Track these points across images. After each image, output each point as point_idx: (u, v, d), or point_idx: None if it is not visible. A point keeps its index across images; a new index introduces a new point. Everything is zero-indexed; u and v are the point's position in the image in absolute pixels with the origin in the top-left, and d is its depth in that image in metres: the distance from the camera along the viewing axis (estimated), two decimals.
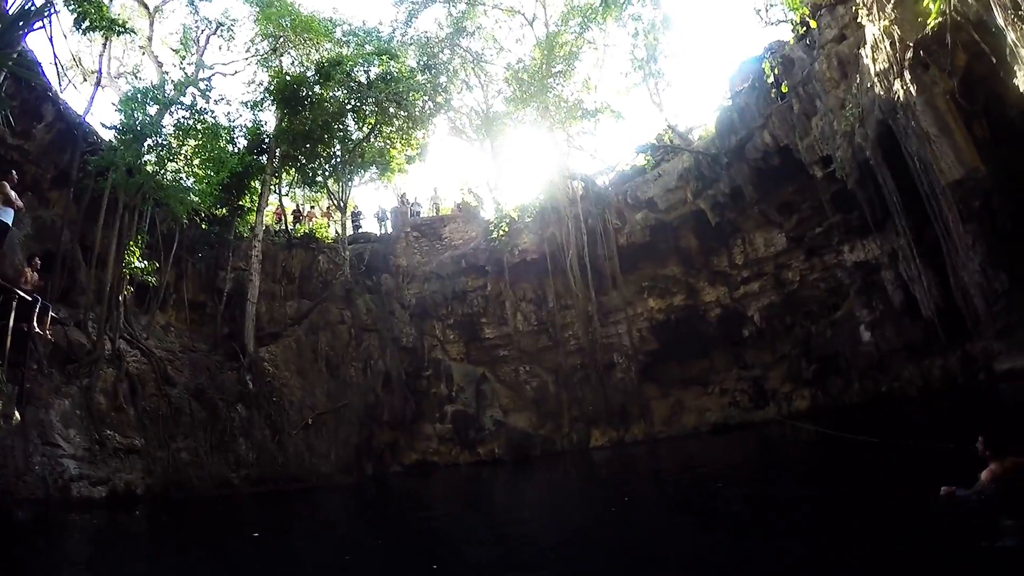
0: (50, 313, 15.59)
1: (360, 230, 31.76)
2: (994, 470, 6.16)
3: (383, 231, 32.16)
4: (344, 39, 27.47)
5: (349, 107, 27.13)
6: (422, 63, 30.05)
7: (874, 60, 15.77)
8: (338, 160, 28.13)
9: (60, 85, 18.14)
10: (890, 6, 14.84)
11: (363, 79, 26.32)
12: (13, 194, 14.30)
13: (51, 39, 15.00)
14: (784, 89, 19.38)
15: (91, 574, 9.42)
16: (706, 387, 25.44)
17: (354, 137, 28.15)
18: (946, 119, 14.90)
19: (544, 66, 29.70)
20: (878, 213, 17.78)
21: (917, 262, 17.02)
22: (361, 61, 26.05)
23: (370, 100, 26.41)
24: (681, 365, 26.14)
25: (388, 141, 29.25)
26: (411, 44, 30.41)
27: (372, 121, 27.81)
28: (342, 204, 28.53)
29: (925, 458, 7.93)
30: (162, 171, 19.95)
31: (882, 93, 15.68)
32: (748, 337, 24.36)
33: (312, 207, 33.48)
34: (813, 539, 6.75)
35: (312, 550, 11.03)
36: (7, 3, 11.19)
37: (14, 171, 14.65)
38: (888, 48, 15.14)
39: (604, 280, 27.14)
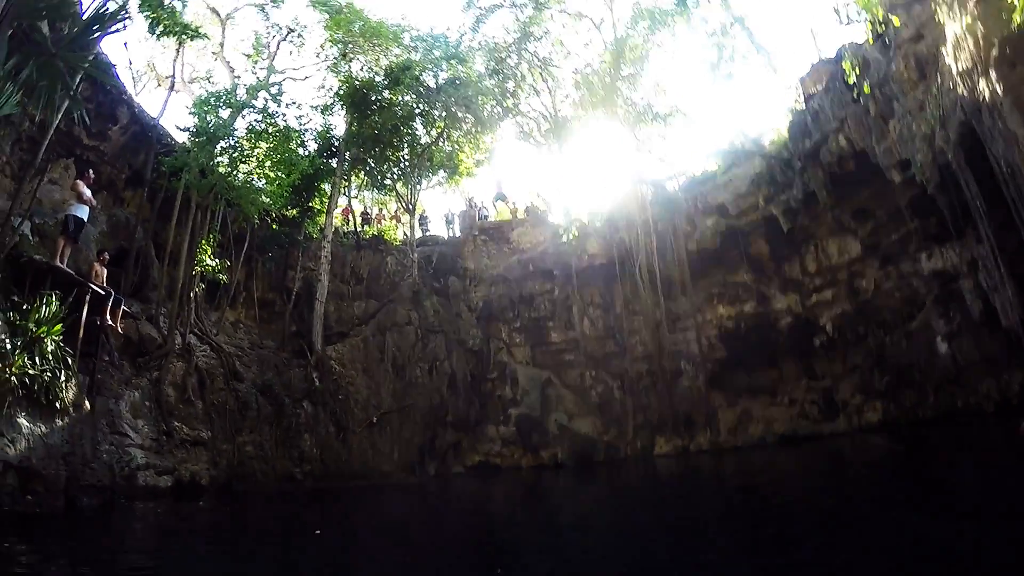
0: (122, 307, 16.06)
1: (428, 233, 31.91)
2: None
3: (451, 234, 32.23)
4: (412, 44, 27.64)
5: (417, 111, 27.32)
6: (490, 68, 29.93)
7: (956, 59, 14.75)
8: (406, 163, 28.33)
9: (135, 89, 18.75)
10: (972, 3, 13.83)
11: (431, 84, 26.48)
12: (87, 192, 14.82)
13: (126, 44, 15.39)
14: (867, 89, 18.39)
15: (156, 560, 9.50)
16: (774, 397, 24.49)
17: (422, 141, 28.34)
18: None
19: (613, 69, 29.20)
20: (959, 219, 16.67)
21: (1000, 271, 15.89)
22: (430, 66, 26.23)
23: (438, 104, 26.53)
24: (749, 374, 25.23)
25: (456, 145, 29.36)
26: (478, 49, 30.30)
27: (440, 125, 27.95)
28: (410, 207, 28.70)
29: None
30: (234, 172, 20.39)
31: (965, 94, 14.66)
32: (819, 347, 23.31)
33: (380, 210, 33.82)
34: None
35: (373, 548, 11.04)
36: (82, 7, 11.41)
37: (90, 170, 15.13)
38: (971, 46, 14.11)
39: (673, 286, 26.45)
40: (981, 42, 13.69)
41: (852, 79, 18.69)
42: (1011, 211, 14.72)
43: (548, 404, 28.99)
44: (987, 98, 13.97)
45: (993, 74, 13.63)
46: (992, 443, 12.92)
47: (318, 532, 13.20)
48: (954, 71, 14.85)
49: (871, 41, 18.61)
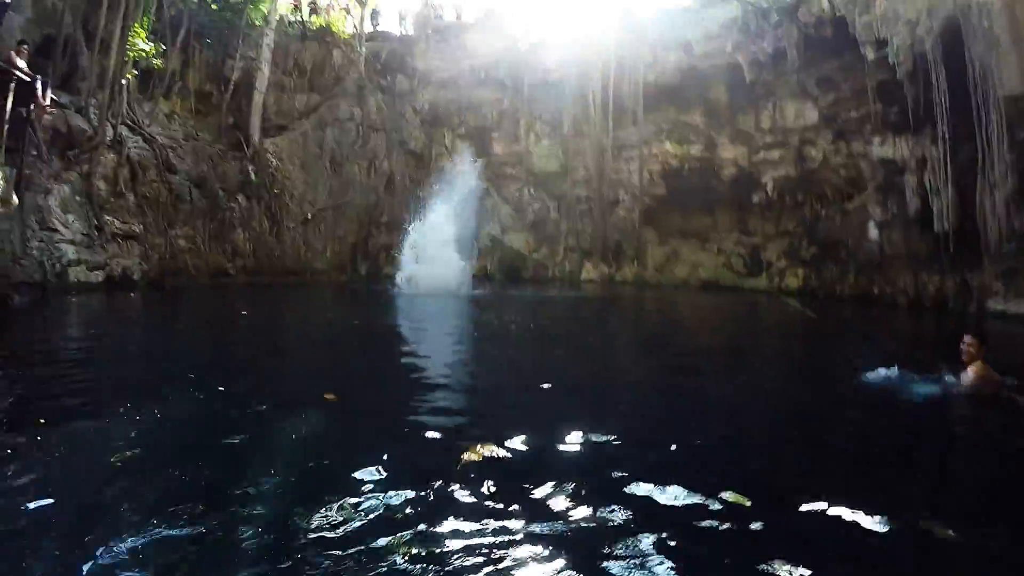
0: (50, 92, 15.20)
1: (378, 28, 29.92)
2: (979, 371, 6.37)
3: (403, 32, 30.35)
4: None
5: None
6: None
7: None
8: None
9: None
10: None
11: None
12: None
13: None
14: None
15: (88, 345, 9.89)
16: (704, 243, 25.56)
17: None
18: (1021, 28, 13.98)
19: None
20: (920, 113, 16.91)
21: (946, 174, 16.53)
22: None
23: None
24: (684, 217, 26.03)
25: None
26: None
27: None
28: None
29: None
30: None
31: None
32: (756, 204, 23.98)
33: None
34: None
35: (290, 333, 12.16)
36: None
37: None
38: None
39: (624, 115, 26.26)
40: None
41: None
42: (972, 116, 15.16)
43: (483, 215, 29.49)
44: None
45: None
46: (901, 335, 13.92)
47: (244, 313, 14.37)
48: None
49: None
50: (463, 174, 25.14)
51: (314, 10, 28.17)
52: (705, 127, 24.83)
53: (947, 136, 16.17)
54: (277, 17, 23.78)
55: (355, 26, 27.83)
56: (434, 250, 20.81)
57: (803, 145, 22.23)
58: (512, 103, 28.55)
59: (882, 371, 6.94)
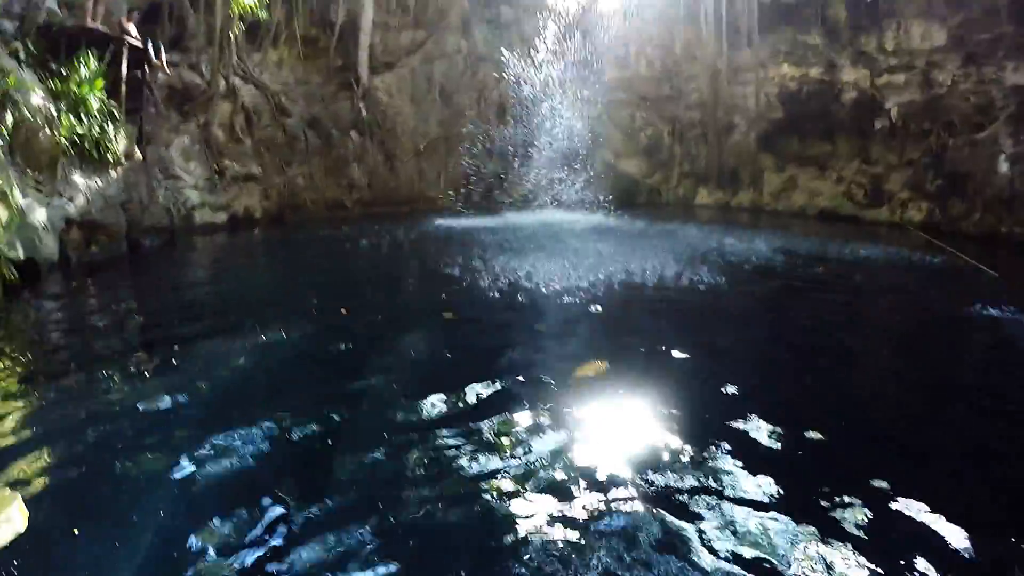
0: (163, 53, 16.52)
1: None
2: None
3: None
4: None
5: None
6: None
7: None
8: None
9: None
10: None
11: None
12: None
13: None
14: None
15: (213, 275, 11.14)
16: (823, 171, 24.24)
17: None
18: None
19: None
20: None
21: None
22: None
23: None
24: (802, 142, 24.72)
25: None
26: None
27: None
28: None
29: None
30: None
31: None
32: (878, 131, 22.32)
33: None
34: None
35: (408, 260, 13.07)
36: None
37: None
38: None
39: (739, 36, 25.10)
40: None
41: None
42: None
43: (595, 141, 29.29)
44: None
45: None
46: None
47: (364, 242, 15.58)
48: None
49: None
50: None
51: None
52: (824, 48, 23.24)
53: None
54: None
55: None
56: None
57: (930, 69, 20.40)
58: (621, 28, 27.80)
59: None
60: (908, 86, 21.26)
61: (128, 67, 15.06)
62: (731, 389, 4.71)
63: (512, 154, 28.63)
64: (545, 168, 29.27)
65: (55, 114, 11.97)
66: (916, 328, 7.62)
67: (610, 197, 27.83)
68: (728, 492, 3.21)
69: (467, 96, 27.55)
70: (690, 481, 3.28)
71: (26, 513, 1.92)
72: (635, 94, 28.51)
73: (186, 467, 3.47)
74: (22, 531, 1.91)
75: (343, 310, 6.93)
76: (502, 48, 26.98)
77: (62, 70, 12.91)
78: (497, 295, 8.13)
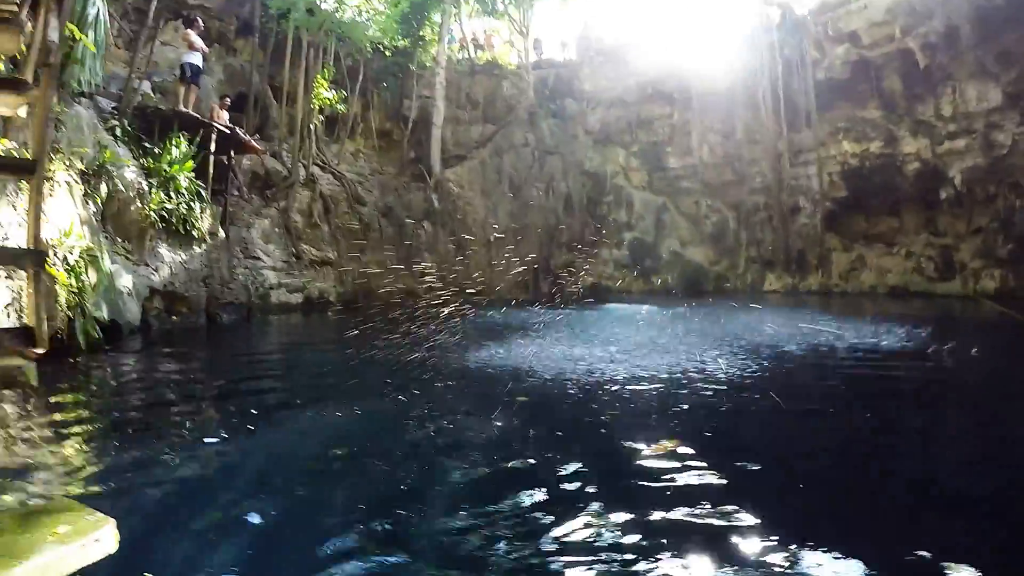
0: (249, 137, 17.96)
1: (542, 56, 31.40)
2: None
3: (566, 57, 31.62)
4: None
5: None
6: None
7: None
8: None
9: None
10: None
11: None
12: (198, 40, 16.17)
13: None
14: None
15: (281, 348, 11.53)
16: (891, 247, 23.89)
17: None
18: None
19: None
20: None
21: None
22: None
23: None
24: (868, 220, 24.53)
25: None
26: None
27: None
28: (524, 29, 28.40)
29: None
30: (341, 6, 21.10)
31: None
32: (944, 200, 22.05)
33: (490, 35, 33.09)
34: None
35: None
36: None
37: (199, 18, 16.49)
38: None
39: (797, 117, 25.50)
40: None
41: None
42: None
43: (662, 230, 29.68)
44: None
45: None
46: None
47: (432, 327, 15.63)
48: None
49: None
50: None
51: (479, 46, 30.26)
52: (883, 120, 23.39)
53: None
54: (446, 57, 25.90)
55: (520, 56, 29.45)
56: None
57: (989, 130, 20.30)
58: (682, 116, 28.66)
59: None
60: (969, 151, 21.10)
61: (216, 151, 16.38)
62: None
63: (579, 245, 29.27)
64: (613, 259, 29.82)
65: (146, 189, 13.10)
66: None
67: (677, 286, 28.13)
68: None
69: (535, 187, 28.55)
70: None
71: (117, 537, 2.25)
72: (699, 181, 28.96)
73: (252, 521, 3.59)
74: (112, 552, 2.22)
75: (415, 391, 7.08)
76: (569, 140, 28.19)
77: (155, 149, 14.13)
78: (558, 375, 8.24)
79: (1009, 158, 20.01)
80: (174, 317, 13.99)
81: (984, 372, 8.69)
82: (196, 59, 15.99)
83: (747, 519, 3.51)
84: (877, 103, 23.33)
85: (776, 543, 3.15)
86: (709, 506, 3.64)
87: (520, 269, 28.10)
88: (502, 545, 3.20)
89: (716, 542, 3.22)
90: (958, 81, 20.81)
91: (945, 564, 2.93)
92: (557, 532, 3.31)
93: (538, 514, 3.60)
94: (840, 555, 3.03)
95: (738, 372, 8.22)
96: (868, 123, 23.79)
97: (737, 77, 26.40)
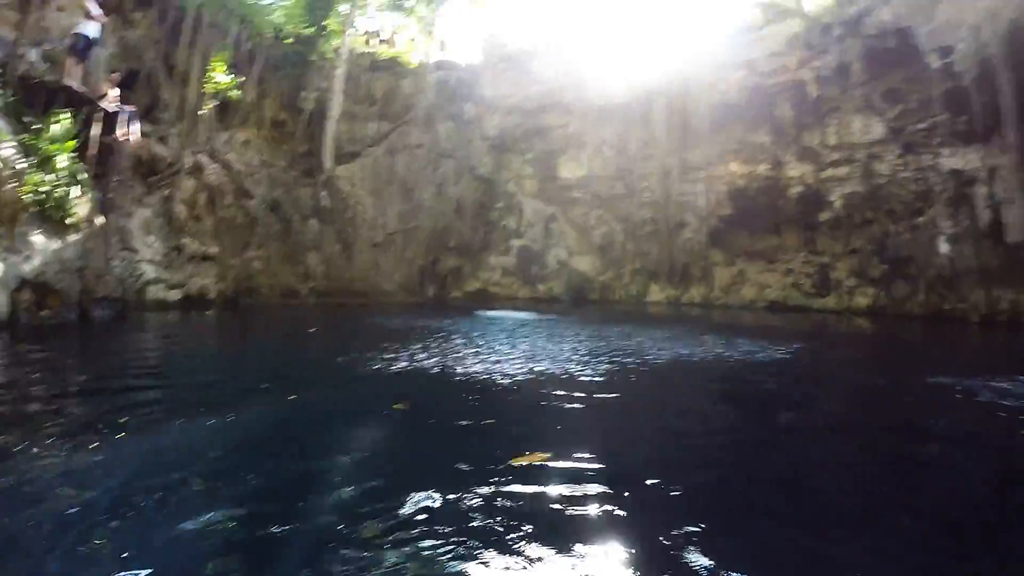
0: (138, 122, 16.28)
1: (446, 58, 30.79)
2: None
3: (469, 61, 31.13)
4: None
5: None
6: None
7: None
8: None
9: None
10: None
11: None
12: (96, 8, 14.50)
13: None
14: None
15: (161, 355, 10.38)
16: (771, 264, 24.98)
17: None
18: None
19: None
20: (988, 121, 16.35)
21: (1018, 183, 15.87)
22: None
23: None
24: (751, 237, 25.52)
25: None
26: None
27: None
28: (430, 29, 27.73)
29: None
30: None
31: None
32: (824, 222, 23.25)
33: (395, 32, 32.27)
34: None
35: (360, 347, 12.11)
36: None
37: None
38: None
39: (690, 136, 26.20)
40: None
41: None
42: None
43: (550, 239, 29.74)
44: None
45: None
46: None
47: (312, 330, 14.61)
48: None
49: None
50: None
51: (383, 41, 29.28)
52: (771, 145, 24.40)
53: (1017, 144, 15.54)
54: (348, 50, 24.77)
55: (423, 56, 28.72)
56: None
57: (871, 160, 21.56)
58: (578, 128, 28.81)
59: None
60: (851, 178, 22.29)
61: (102, 132, 14.80)
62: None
63: (467, 250, 28.89)
64: (501, 266, 29.61)
65: (22, 168, 11.63)
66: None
67: (563, 294, 28.31)
68: None
69: (427, 190, 27.87)
70: None
71: None
72: (590, 192, 29.20)
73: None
74: None
75: (291, 397, 6.54)
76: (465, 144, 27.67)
77: (36, 125, 12.62)
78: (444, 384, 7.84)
79: (887, 187, 21.26)
80: (44, 311, 12.43)
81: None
82: (91, 29, 14.31)
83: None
84: (767, 128, 24.27)
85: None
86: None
87: (407, 271, 27.41)
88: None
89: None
90: (845, 113, 21.95)
91: None
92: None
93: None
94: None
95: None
96: (757, 147, 24.74)
97: (636, 94, 26.81)
